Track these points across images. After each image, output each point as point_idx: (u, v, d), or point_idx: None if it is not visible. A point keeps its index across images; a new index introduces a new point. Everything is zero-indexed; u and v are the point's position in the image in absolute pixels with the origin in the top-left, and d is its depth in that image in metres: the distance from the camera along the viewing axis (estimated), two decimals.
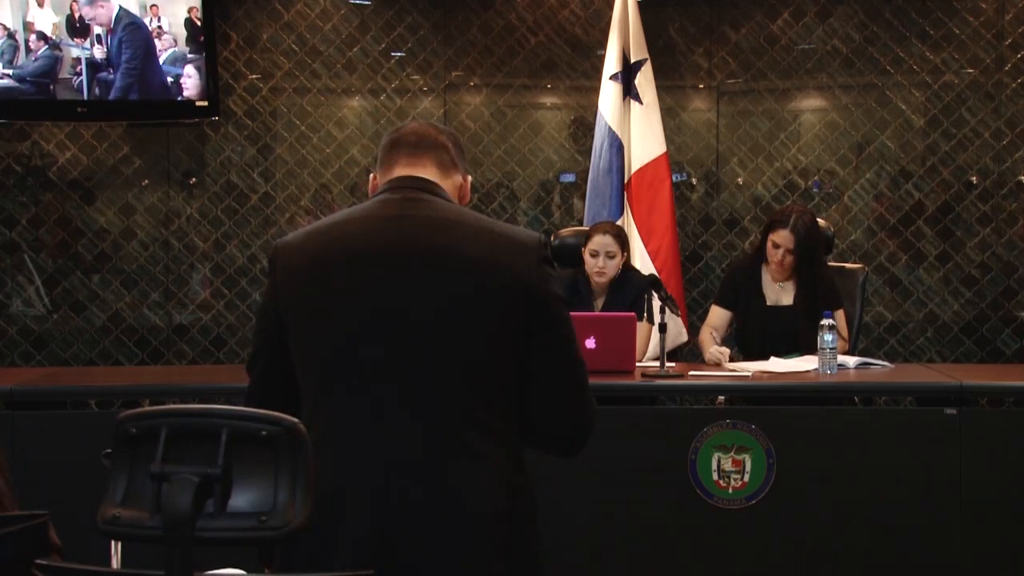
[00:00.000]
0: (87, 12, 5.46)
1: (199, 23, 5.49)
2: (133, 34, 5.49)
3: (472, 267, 1.85)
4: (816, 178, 5.84)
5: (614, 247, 4.45)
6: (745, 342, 4.53)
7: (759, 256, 4.50)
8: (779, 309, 4.44)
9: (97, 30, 5.48)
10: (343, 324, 1.87)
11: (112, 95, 5.52)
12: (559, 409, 1.93)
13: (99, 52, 5.49)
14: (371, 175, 2.06)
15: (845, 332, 4.40)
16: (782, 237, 4.34)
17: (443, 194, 1.96)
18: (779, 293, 4.47)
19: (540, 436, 1.95)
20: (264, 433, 1.38)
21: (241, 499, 1.36)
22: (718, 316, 4.53)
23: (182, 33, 5.51)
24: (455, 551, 1.82)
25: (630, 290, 4.47)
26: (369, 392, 1.85)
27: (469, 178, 2.07)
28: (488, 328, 1.84)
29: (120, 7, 5.46)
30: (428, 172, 1.97)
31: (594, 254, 4.47)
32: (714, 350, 4.22)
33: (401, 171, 1.98)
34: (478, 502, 1.84)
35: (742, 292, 4.50)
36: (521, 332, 1.86)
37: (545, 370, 1.89)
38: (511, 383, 1.88)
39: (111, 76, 5.50)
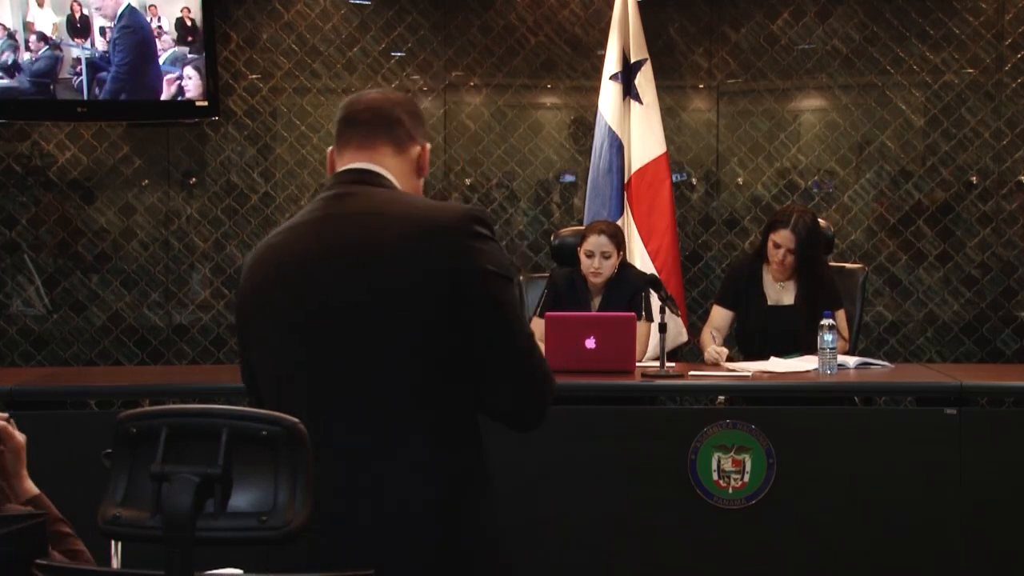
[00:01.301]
0: (94, 1, 5.45)
1: (190, 24, 5.49)
2: (134, 34, 5.49)
3: (392, 258, 1.82)
4: (816, 178, 5.84)
5: (609, 247, 4.44)
6: (745, 342, 4.53)
7: (760, 256, 4.50)
8: (780, 309, 4.44)
9: (99, 26, 5.47)
10: (273, 331, 1.89)
11: (112, 95, 5.51)
12: (506, 385, 1.89)
13: (100, 50, 5.48)
14: (329, 150, 2.05)
15: (845, 332, 4.40)
16: (783, 237, 4.34)
17: (384, 182, 1.95)
18: (780, 293, 4.47)
19: (495, 412, 1.92)
20: (264, 433, 1.38)
21: (241, 499, 1.36)
22: (719, 316, 4.53)
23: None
24: (387, 543, 1.80)
25: (627, 288, 4.46)
26: (304, 399, 1.85)
27: (428, 146, 2.05)
28: (415, 317, 1.81)
29: (128, 3, 5.46)
30: (380, 155, 1.97)
31: (589, 254, 4.46)
32: (712, 350, 4.23)
33: (351, 158, 1.98)
34: (409, 494, 1.82)
35: (743, 292, 4.50)
36: (454, 313, 1.82)
37: (486, 346, 1.85)
38: (449, 368, 1.84)
39: (111, 76, 5.50)
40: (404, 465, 1.82)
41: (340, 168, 1.99)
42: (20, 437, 2.16)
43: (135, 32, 5.48)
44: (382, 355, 1.82)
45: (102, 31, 5.48)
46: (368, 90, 2.09)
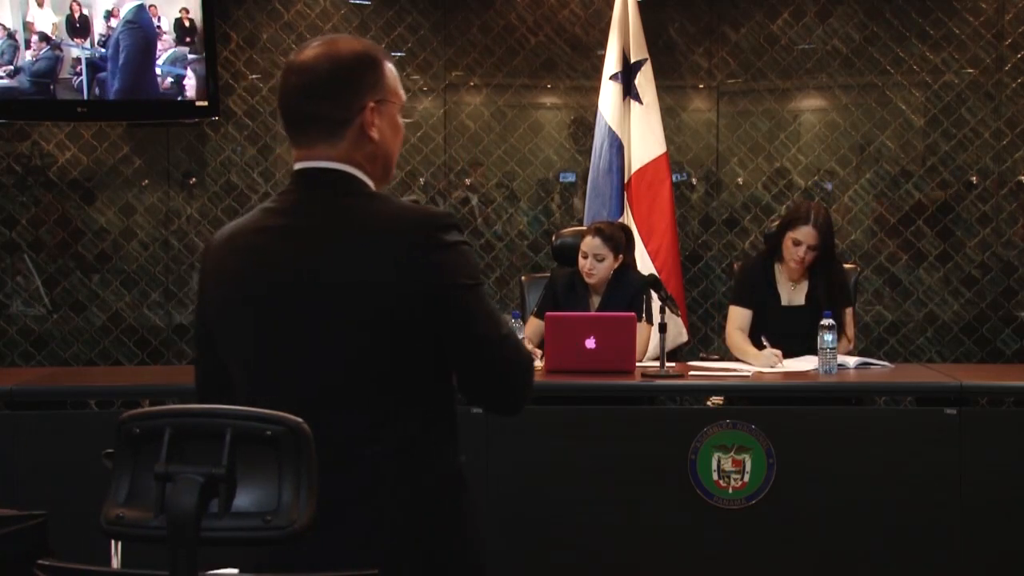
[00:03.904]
0: (106, 3, 5.45)
1: (188, 24, 5.49)
2: (139, 30, 5.49)
3: (355, 270, 1.82)
4: (816, 178, 5.84)
5: (602, 250, 4.41)
6: (759, 343, 4.47)
7: (771, 255, 4.44)
8: (794, 309, 4.38)
9: (99, 27, 5.47)
10: (242, 342, 1.88)
11: (112, 95, 5.51)
12: (483, 383, 1.92)
13: (100, 51, 5.48)
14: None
15: (851, 330, 4.35)
16: (805, 234, 4.26)
17: (342, 186, 1.92)
18: (792, 293, 4.41)
19: (478, 402, 1.97)
20: (268, 433, 1.38)
21: (245, 499, 1.36)
22: (741, 315, 4.42)
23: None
24: (361, 547, 1.80)
25: (627, 289, 4.45)
26: (272, 403, 1.84)
27: (373, 103, 1.96)
28: (381, 328, 1.81)
29: (140, 1, 5.46)
30: (319, 152, 1.95)
31: (584, 255, 4.46)
32: (768, 353, 4.15)
33: (299, 158, 1.98)
34: (381, 500, 1.82)
35: (757, 291, 4.43)
36: (425, 321, 1.82)
37: (458, 349, 1.87)
38: (421, 373, 1.86)
39: (111, 76, 5.50)
40: (374, 472, 1.82)
41: (294, 167, 1.98)
42: None
43: (139, 29, 5.48)
44: (352, 365, 1.82)
45: (102, 39, 5.48)
46: (292, 76, 2.07)
